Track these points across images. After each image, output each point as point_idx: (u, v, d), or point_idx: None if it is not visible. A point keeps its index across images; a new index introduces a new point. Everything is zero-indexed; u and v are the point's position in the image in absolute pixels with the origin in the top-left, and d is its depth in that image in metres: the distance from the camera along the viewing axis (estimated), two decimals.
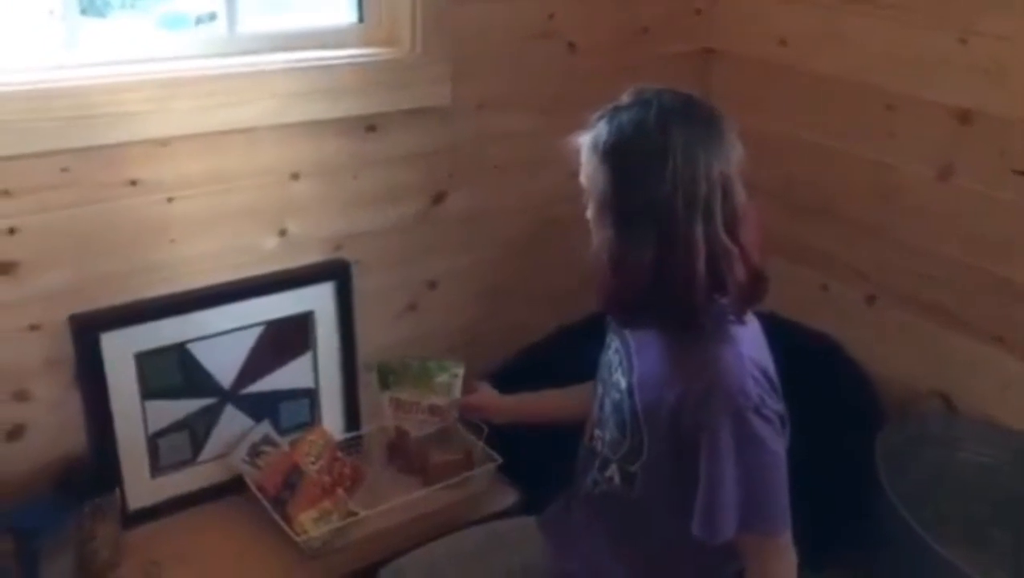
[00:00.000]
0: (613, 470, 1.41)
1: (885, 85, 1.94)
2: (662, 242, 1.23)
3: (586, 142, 1.29)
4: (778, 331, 2.07)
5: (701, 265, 1.23)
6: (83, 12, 1.59)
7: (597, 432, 1.48)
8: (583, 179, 1.31)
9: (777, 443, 1.27)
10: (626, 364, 1.39)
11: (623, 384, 1.38)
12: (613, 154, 1.25)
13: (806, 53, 2.08)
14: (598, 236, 1.30)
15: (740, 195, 1.26)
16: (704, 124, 1.25)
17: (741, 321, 1.30)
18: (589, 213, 1.33)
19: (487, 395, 1.84)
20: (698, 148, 1.22)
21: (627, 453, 1.38)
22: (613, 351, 1.45)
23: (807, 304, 2.16)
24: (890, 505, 1.67)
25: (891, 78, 1.92)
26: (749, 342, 1.32)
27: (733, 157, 1.25)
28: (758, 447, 1.25)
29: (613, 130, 1.25)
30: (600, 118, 1.29)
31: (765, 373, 1.30)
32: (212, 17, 1.80)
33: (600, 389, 1.48)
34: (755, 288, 1.29)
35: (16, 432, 1.63)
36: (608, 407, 1.43)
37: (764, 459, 1.26)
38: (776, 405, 1.29)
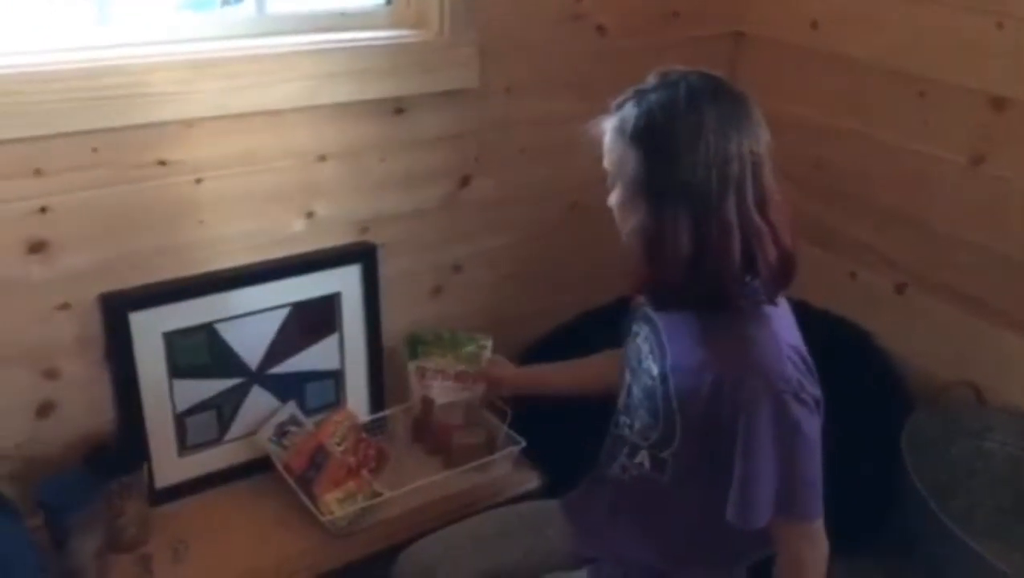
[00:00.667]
0: (643, 456, 1.41)
1: (918, 70, 1.91)
2: (698, 223, 1.22)
3: (612, 126, 1.28)
4: (806, 319, 2.06)
5: (736, 244, 1.22)
6: None
7: (624, 419, 1.47)
8: (607, 164, 1.30)
9: (813, 428, 1.26)
10: (657, 351, 1.38)
11: (655, 370, 1.37)
12: (644, 136, 1.24)
13: (838, 37, 2.05)
14: (630, 221, 1.29)
15: (769, 175, 1.25)
16: (733, 103, 1.24)
17: (773, 303, 1.30)
18: (613, 199, 1.32)
19: (501, 365, 1.85)
20: (730, 127, 1.21)
21: (659, 439, 1.37)
22: (642, 339, 1.44)
23: (836, 291, 2.14)
24: (918, 495, 1.66)
25: (924, 63, 1.89)
26: (784, 324, 1.32)
27: (762, 137, 1.25)
28: (795, 432, 1.24)
29: (642, 113, 1.24)
30: (625, 101, 1.28)
31: (802, 356, 1.29)
32: None
33: (628, 377, 1.47)
34: (786, 269, 1.28)
35: (46, 409, 1.65)
36: (638, 394, 1.42)
37: (801, 444, 1.25)
38: (813, 389, 1.28)
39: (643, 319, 1.46)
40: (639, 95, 1.26)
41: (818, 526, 1.29)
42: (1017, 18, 1.72)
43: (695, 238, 1.22)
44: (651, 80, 1.28)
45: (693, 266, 1.24)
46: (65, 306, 1.60)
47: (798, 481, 1.26)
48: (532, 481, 1.87)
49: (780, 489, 1.25)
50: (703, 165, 1.20)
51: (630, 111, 1.26)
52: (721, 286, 1.26)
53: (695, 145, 1.20)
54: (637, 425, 1.42)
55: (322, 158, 1.77)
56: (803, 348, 1.31)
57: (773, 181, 1.26)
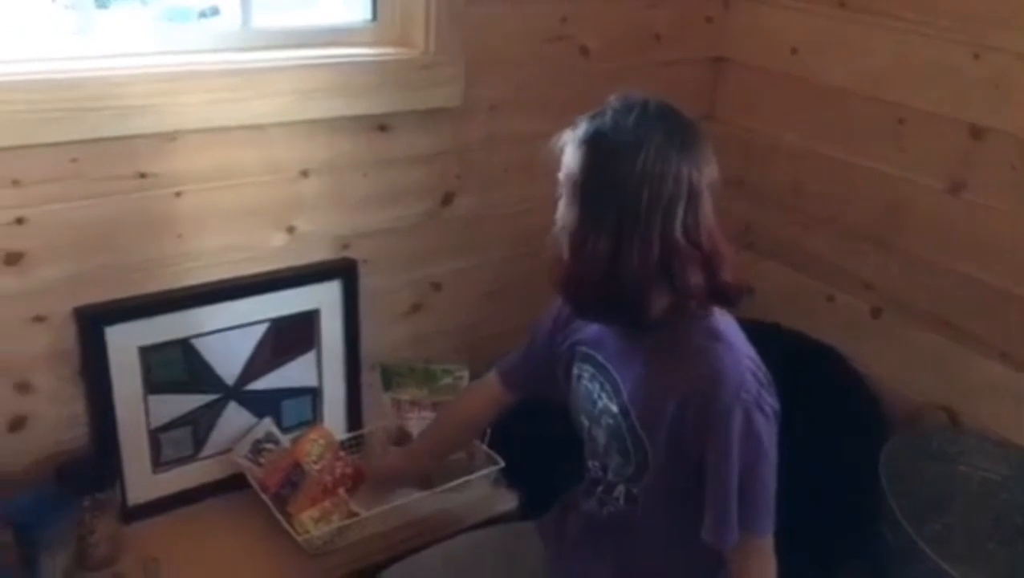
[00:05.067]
0: (620, 491, 1.41)
1: (897, 98, 1.93)
2: (620, 231, 1.24)
3: (568, 138, 1.32)
4: (782, 341, 2.08)
5: (653, 260, 1.24)
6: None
7: (594, 464, 1.47)
8: (560, 174, 1.33)
9: (773, 440, 1.27)
10: (610, 387, 1.39)
11: (613, 408, 1.37)
12: (589, 142, 1.27)
13: (817, 63, 2.08)
14: (563, 222, 1.32)
15: (707, 206, 1.27)
16: (683, 131, 1.27)
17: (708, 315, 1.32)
18: (559, 207, 1.34)
19: (380, 464, 1.82)
20: (671, 149, 1.23)
21: (634, 473, 1.37)
22: (588, 379, 1.44)
23: (812, 314, 2.15)
24: (893, 518, 1.67)
25: (903, 91, 1.92)
26: (736, 336, 1.33)
27: (705, 170, 1.26)
28: (758, 444, 1.25)
29: (594, 124, 1.28)
30: (585, 117, 1.32)
31: (759, 366, 1.30)
32: (215, 12, 1.79)
33: (585, 421, 1.46)
34: (720, 297, 1.30)
35: (18, 423, 1.62)
36: (602, 437, 1.42)
37: (762, 457, 1.26)
38: (772, 400, 1.29)
39: (581, 359, 1.46)
40: (598, 112, 1.30)
41: (769, 541, 1.30)
42: (993, 49, 1.75)
43: (615, 245, 1.25)
44: (613, 100, 1.31)
45: (609, 272, 1.26)
46: (40, 319, 1.57)
47: (755, 494, 1.26)
48: (510, 502, 1.86)
49: (742, 503, 1.26)
50: (637, 178, 1.22)
51: (585, 123, 1.30)
52: (636, 298, 1.28)
53: (633, 158, 1.22)
54: (611, 466, 1.41)
55: (304, 173, 1.76)
56: (758, 358, 1.32)
57: (711, 215, 1.28)
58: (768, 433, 1.26)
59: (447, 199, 1.97)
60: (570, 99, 1.95)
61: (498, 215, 2.05)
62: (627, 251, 1.24)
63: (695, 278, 1.26)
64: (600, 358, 1.41)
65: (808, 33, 2.09)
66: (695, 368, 1.28)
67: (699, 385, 1.26)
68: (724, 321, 1.33)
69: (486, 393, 1.67)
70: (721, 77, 2.29)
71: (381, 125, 1.81)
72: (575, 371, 1.47)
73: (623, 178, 1.23)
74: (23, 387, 1.60)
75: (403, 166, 1.88)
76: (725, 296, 1.31)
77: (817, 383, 1.97)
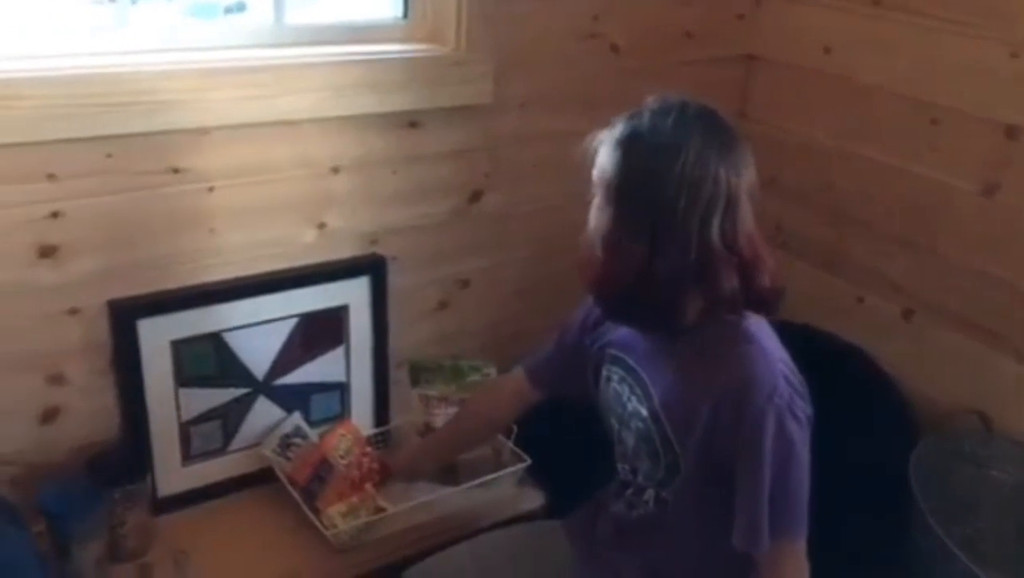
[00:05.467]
0: (649, 494, 1.41)
1: (931, 98, 1.91)
2: (656, 235, 1.23)
3: (605, 139, 1.30)
4: (811, 342, 2.06)
5: (689, 264, 1.23)
6: None
7: (624, 467, 1.47)
8: (594, 173, 1.31)
9: (805, 445, 1.26)
10: (640, 390, 1.38)
11: (643, 412, 1.37)
12: (626, 143, 1.26)
13: (851, 62, 2.06)
14: (597, 223, 1.31)
15: (745, 211, 1.26)
16: (722, 135, 1.25)
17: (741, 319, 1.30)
18: (592, 207, 1.33)
19: (400, 452, 1.84)
20: (711, 154, 1.22)
21: (664, 477, 1.36)
22: (617, 382, 1.44)
23: (843, 316, 2.13)
24: (924, 522, 1.65)
25: (937, 91, 1.90)
26: (770, 340, 1.31)
27: (745, 175, 1.25)
28: (789, 448, 1.24)
29: (631, 125, 1.27)
30: (622, 118, 1.30)
31: (793, 371, 1.29)
32: (241, 7, 1.80)
33: (615, 424, 1.45)
34: (755, 301, 1.29)
35: (50, 415, 1.64)
36: (631, 440, 1.41)
37: (795, 462, 1.25)
38: (805, 405, 1.28)
39: (611, 361, 1.45)
40: (635, 113, 1.29)
41: (802, 545, 1.28)
42: None
43: (651, 249, 1.24)
44: (650, 101, 1.29)
45: (644, 275, 1.25)
46: (74, 311, 1.59)
47: (788, 499, 1.25)
48: (536, 500, 1.86)
49: (773, 508, 1.24)
50: (676, 182, 1.21)
51: (622, 124, 1.28)
52: (671, 302, 1.27)
53: (672, 162, 1.21)
54: (641, 469, 1.41)
55: (335, 170, 1.77)
56: (792, 363, 1.31)
57: (751, 220, 1.27)
58: (800, 438, 1.25)
59: (476, 196, 1.97)
60: (601, 97, 1.97)
61: (527, 213, 2.05)
62: (662, 255, 1.23)
63: (730, 283, 1.25)
64: (630, 361, 1.41)
65: (841, 31, 2.07)
66: (727, 372, 1.27)
67: (731, 389, 1.25)
68: (757, 324, 1.31)
69: (512, 389, 1.67)
70: (752, 75, 2.28)
71: (411, 122, 1.81)
72: (604, 373, 1.47)
73: (660, 181, 1.22)
74: (56, 379, 1.62)
75: (432, 163, 1.88)
76: (762, 302, 1.30)
77: (846, 385, 1.95)
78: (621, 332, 1.44)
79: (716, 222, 1.23)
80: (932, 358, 1.99)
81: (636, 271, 1.25)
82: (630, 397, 1.40)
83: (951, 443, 1.88)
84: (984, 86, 1.81)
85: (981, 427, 1.90)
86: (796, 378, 1.29)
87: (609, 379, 1.45)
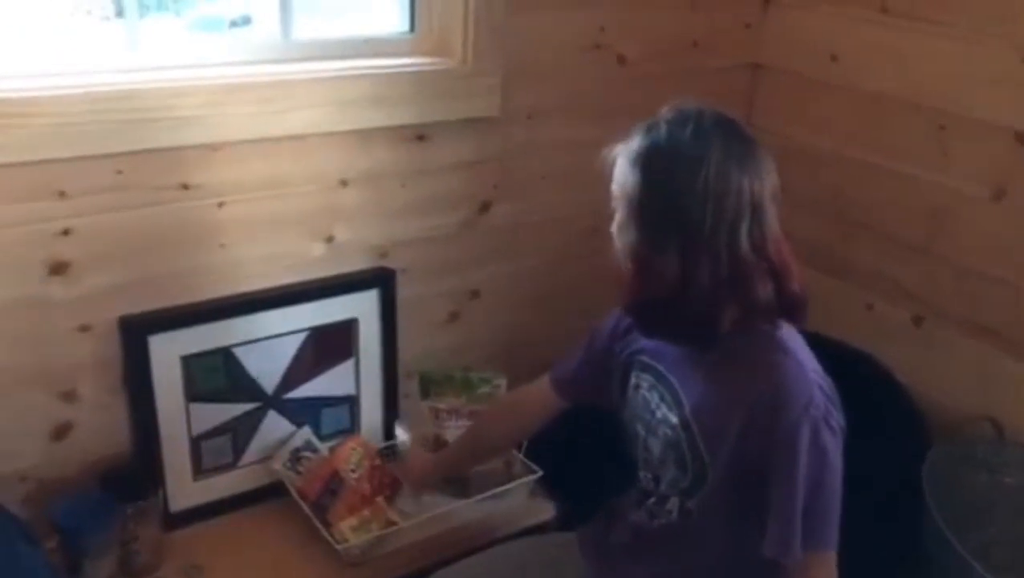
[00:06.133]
0: (673, 503, 1.39)
1: (939, 104, 1.91)
2: (686, 251, 1.22)
3: (622, 152, 1.29)
4: (821, 350, 2.05)
5: (722, 277, 1.22)
6: (118, 15, 1.60)
7: (646, 474, 1.45)
8: (614, 187, 1.31)
9: (839, 456, 1.25)
10: (670, 398, 1.37)
11: (673, 419, 1.35)
12: (646, 161, 1.25)
13: (858, 69, 2.06)
14: (623, 241, 1.29)
15: (771, 217, 1.25)
16: (740, 143, 1.25)
17: (774, 329, 1.29)
18: (615, 222, 1.32)
19: (413, 464, 1.82)
20: (732, 164, 1.21)
21: (689, 486, 1.35)
22: (647, 389, 1.42)
23: (853, 323, 2.13)
24: (936, 529, 1.64)
25: (945, 97, 1.89)
26: (802, 350, 1.30)
27: (767, 180, 1.24)
28: (823, 458, 1.22)
29: (649, 140, 1.26)
30: (639, 129, 1.29)
31: (826, 382, 1.28)
32: (247, 21, 1.81)
33: (641, 431, 1.44)
34: (789, 309, 1.28)
35: (62, 431, 1.64)
36: (657, 447, 1.40)
37: (829, 473, 1.23)
38: (839, 416, 1.27)
39: (640, 369, 1.44)
40: (652, 124, 1.27)
41: (832, 556, 1.27)
42: None
43: (682, 265, 1.23)
44: (665, 112, 1.28)
45: (679, 291, 1.24)
46: (85, 328, 1.60)
47: (821, 510, 1.24)
48: (548, 512, 1.85)
49: (806, 519, 1.23)
50: (699, 196, 1.20)
51: (639, 138, 1.27)
52: (708, 317, 1.26)
53: (694, 176, 1.20)
54: (666, 477, 1.39)
55: (344, 183, 1.78)
56: (824, 373, 1.30)
57: (776, 225, 1.26)
58: (835, 448, 1.24)
59: (484, 208, 1.97)
60: (608, 107, 1.98)
61: (536, 223, 2.05)
62: (695, 271, 1.22)
63: (764, 291, 1.24)
64: (661, 369, 1.39)
65: (848, 39, 2.07)
66: (762, 382, 1.25)
67: (766, 399, 1.24)
68: (789, 333, 1.30)
69: (536, 399, 1.64)
70: (759, 84, 2.28)
71: (419, 135, 1.82)
72: (632, 380, 1.45)
73: (685, 198, 1.21)
74: (68, 395, 1.62)
75: (441, 175, 1.88)
76: (794, 307, 1.29)
77: (857, 393, 1.93)
78: (651, 340, 1.44)
79: (744, 231, 1.22)
80: (943, 364, 1.99)
81: (669, 287, 1.24)
82: (659, 404, 1.39)
83: (963, 450, 1.88)
84: (992, 92, 1.81)
85: (993, 433, 1.89)
86: (829, 388, 1.28)
87: (638, 386, 1.44)
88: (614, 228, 1.32)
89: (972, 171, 1.88)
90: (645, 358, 1.43)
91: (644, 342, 1.43)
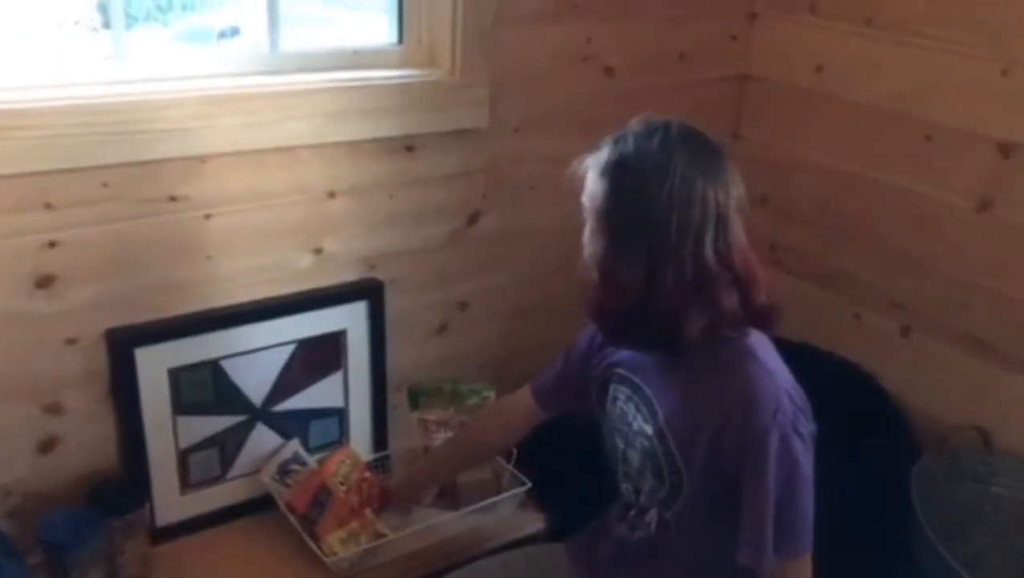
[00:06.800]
0: (652, 515, 1.40)
1: (924, 115, 1.92)
2: (652, 259, 1.24)
3: (592, 163, 1.31)
4: (809, 360, 2.06)
5: (687, 286, 1.24)
6: (106, 26, 1.60)
7: (627, 486, 1.46)
8: (584, 198, 1.32)
9: (809, 463, 1.26)
10: (646, 409, 1.38)
11: (649, 430, 1.36)
12: (613, 170, 1.26)
13: (843, 81, 2.07)
14: (590, 250, 1.31)
15: (736, 228, 1.26)
16: (707, 154, 1.26)
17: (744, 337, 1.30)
18: (584, 232, 1.33)
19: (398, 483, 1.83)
20: (697, 174, 1.23)
21: (667, 497, 1.36)
22: (624, 401, 1.43)
23: (840, 333, 2.14)
24: (925, 539, 1.64)
25: (931, 108, 1.91)
26: (772, 357, 1.32)
27: (733, 191, 1.26)
28: (793, 465, 1.24)
29: (616, 150, 1.27)
30: (607, 141, 1.31)
31: (796, 389, 1.29)
32: (235, 32, 1.81)
33: (619, 443, 1.45)
34: (756, 319, 1.29)
35: (48, 445, 1.63)
36: (636, 459, 1.41)
37: (799, 480, 1.25)
38: (808, 423, 1.28)
39: (618, 381, 1.45)
40: (620, 136, 1.29)
41: (807, 563, 1.28)
42: (1022, 65, 1.74)
43: (647, 273, 1.24)
44: (634, 123, 1.30)
45: (644, 300, 1.25)
46: (72, 341, 1.59)
47: (793, 517, 1.25)
48: (537, 523, 1.85)
49: (778, 526, 1.24)
50: (665, 206, 1.22)
51: (608, 150, 1.29)
52: (669, 323, 1.27)
53: (659, 185, 1.22)
54: (645, 489, 1.40)
55: (332, 195, 1.77)
56: (794, 380, 1.31)
57: (743, 236, 1.27)
58: (804, 455, 1.25)
59: (473, 219, 1.97)
60: (596, 119, 1.96)
61: (525, 234, 2.05)
62: (660, 279, 1.24)
63: (729, 301, 1.26)
64: (636, 380, 1.40)
65: (834, 51, 2.08)
66: (731, 389, 1.27)
67: (735, 407, 1.25)
68: (759, 342, 1.32)
69: (518, 409, 1.66)
70: (746, 95, 2.29)
71: (407, 146, 1.82)
72: (611, 392, 1.46)
73: (650, 207, 1.22)
74: (54, 408, 1.61)
75: (429, 186, 1.88)
76: (761, 317, 1.30)
77: (845, 403, 1.95)
78: (627, 352, 1.44)
79: (709, 241, 1.23)
80: (931, 374, 2.00)
81: (634, 296, 1.25)
82: (636, 415, 1.40)
83: (952, 460, 1.88)
84: (976, 103, 1.83)
85: (981, 443, 1.90)
86: (798, 395, 1.29)
87: (616, 398, 1.45)
88: (584, 238, 1.33)
89: (957, 182, 1.89)
90: (622, 370, 1.44)
91: (620, 354, 1.45)
